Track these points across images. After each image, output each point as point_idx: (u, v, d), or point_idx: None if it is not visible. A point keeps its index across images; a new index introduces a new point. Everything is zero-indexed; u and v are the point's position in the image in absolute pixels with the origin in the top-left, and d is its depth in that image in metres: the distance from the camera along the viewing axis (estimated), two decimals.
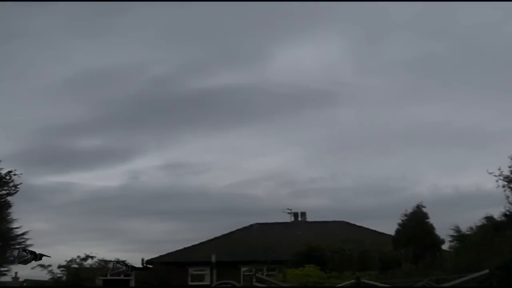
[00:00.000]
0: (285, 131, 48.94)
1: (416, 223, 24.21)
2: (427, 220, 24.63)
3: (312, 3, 35.54)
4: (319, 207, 44.06)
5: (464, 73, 43.62)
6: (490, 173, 22.12)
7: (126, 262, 10.15)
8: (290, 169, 54.50)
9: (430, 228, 24.44)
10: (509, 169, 22.00)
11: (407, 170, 49.46)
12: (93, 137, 49.09)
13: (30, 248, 27.46)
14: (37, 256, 10.11)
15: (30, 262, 10.19)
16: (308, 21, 44.44)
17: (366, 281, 15.98)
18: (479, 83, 41.97)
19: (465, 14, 40.06)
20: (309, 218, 37.27)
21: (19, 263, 10.20)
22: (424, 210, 24.80)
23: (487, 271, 14.57)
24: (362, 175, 47.28)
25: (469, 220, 21.87)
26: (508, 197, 21.02)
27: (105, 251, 49.50)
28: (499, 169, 22.01)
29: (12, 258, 10.26)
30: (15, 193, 26.76)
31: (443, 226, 23.12)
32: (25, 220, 27.88)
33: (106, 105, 46.40)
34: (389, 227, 25.32)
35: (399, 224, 25.02)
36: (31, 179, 46.93)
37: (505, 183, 21.83)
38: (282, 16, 42.16)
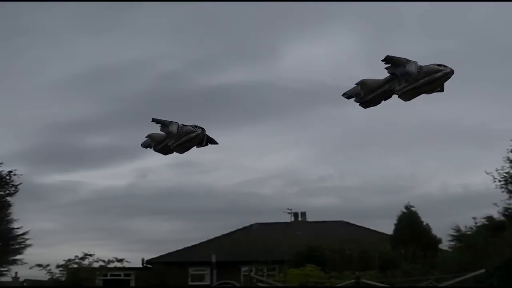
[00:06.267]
0: (295, 129, 48.24)
1: (407, 224, 24.28)
2: (422, 220, 24.70)
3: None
4: (327, 206, 43.75)
5: (475, 70, 43.02)
6: (488, 173, 22.25)
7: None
8: (299, 168, 54.02)
9: (424, 228, 24.48)
10: (503, 171, 22.11)
11: (417, 168, 49.02)
12: (101, 135, 48.11)
13: (30, 249, 27.62)
14: (204, 138, 7.35)
15: (198, 143, 7.31)
16: (319, 17, 43.95)
17: (366, 281, 15.97)
18: (490, 80, 41.45)
19: (477, 11, 39.71)
20: (310, 218, 37.28)
21: (182, 145, 7.30)
22: (414, 210, 24.88)
23: (483, 270, 14.59)
24: (371, 174, 47.02)
25: (478, 219, 21.82)
26: None
27: (107, 250, 49.09)
28: (496, 170, 22.15)
29: (165, 137, 7.60)
30: (15, 193, 26.73)
31: (451, 225, 23.07)
32: (28, 220, 27.67)
33: (114, 102, 45.55)
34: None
35: (395, 225, 25.12)
36: (37, 177, 46.69)
37: (503, 184, 21.92)
38: (294, 12, 41.73)
